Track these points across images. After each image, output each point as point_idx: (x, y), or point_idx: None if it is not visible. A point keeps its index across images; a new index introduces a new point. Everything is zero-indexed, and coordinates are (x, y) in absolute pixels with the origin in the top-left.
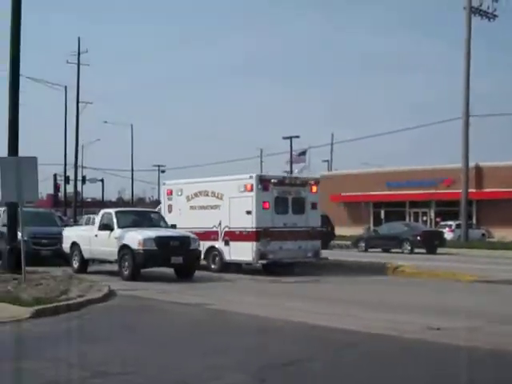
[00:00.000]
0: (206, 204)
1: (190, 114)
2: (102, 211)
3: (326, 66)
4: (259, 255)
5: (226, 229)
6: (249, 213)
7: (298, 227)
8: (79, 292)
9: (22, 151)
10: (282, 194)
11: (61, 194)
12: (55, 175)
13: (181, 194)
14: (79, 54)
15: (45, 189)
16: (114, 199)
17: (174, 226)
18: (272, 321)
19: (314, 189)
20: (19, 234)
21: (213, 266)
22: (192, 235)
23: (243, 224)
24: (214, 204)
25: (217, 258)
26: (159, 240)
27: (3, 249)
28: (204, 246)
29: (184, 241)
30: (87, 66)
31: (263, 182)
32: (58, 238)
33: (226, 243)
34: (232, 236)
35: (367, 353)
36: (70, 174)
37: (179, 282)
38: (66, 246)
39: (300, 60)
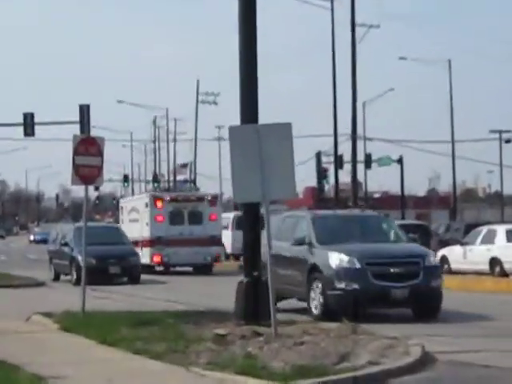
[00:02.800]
0: (134, 218)
1: None
2: None
3: None
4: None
5: (141, 238)
6: (147, 224)
7: (195, 236)
8: (370, 356)
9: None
10: (177, 209)
11: (329, 186)
12: (319, 154)
13: (123, 210)
14: None
15: (301, 178)
16: (421, 192)
17: None
18: None
19: (213, 203)
20: (265, 256)
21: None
22: None
23: (146, 234)
24: (136, 218)
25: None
26: None
27: (240, 287)
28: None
29: None
30: None
31: (155, 200)
32: None
33: (141, 249)
34: (143, 244)
35: None
36: (344, 151)
37: None
38: None
39: None
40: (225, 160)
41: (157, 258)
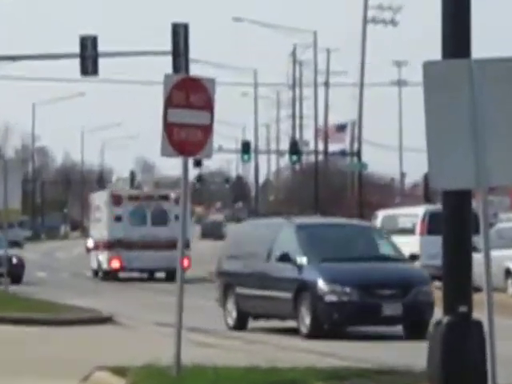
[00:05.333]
0: (98, 217)
1: None
2: None
3: None
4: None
5: (102, 240)
6: (106, 225)
7: (160, 238)
8: None
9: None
10: (139, 208)
11: None
12: None
13: (91, 207)
14: None
15: None
16: None
17: None
18: None
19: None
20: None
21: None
22: None
23: (104, 235)
24: (99, 216)
25: (101, 267)
26: None
27: (438, 332)
28: (97, 257)
29: None
30: None
31: (114, 197)
32: None
33: (102, 253)
34: (103, 246)
35: None
36: None
37: None
38: None
39: None
40: (409, 118)
41: (115, 263)
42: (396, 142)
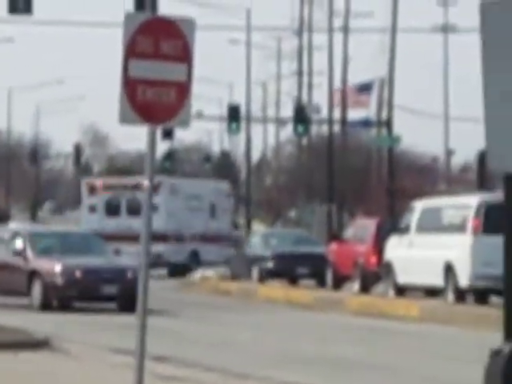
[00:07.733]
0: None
1: None
2: None
3: None
4: None
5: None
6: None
7: (134, 230)
8: None
9: None
10: (114, 197)
11: None
12: None
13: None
14: None
15: None
16: None
17: None
18: None
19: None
20: None
21: None
22: None
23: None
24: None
25: None
26: None
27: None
28: None
29: None
30: None
31: (89, 186)
32: None
33: None
34: None
35: None
36: None
37: None
38: None
39: None
40: (457, 76)
41: None
42: (440, 109)
